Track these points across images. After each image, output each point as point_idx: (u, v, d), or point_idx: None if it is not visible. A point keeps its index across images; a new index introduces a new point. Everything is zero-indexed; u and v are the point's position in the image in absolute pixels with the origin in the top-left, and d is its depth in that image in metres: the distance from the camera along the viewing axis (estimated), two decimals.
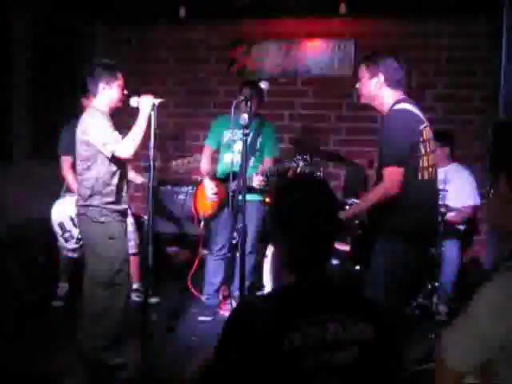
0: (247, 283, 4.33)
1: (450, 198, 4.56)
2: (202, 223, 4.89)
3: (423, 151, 3.14)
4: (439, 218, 4.27)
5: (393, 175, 3.05)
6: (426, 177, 3.17)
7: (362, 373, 1.59)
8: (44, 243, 5.26)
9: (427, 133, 3.21)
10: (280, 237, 1.70)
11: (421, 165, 3.14)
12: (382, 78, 3.24)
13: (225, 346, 1.59)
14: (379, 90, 3.27)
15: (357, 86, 3.35)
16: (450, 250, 4.68)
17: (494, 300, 1.77)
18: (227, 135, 4.74)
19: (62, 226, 4.72)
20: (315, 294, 1.62)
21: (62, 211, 4.70)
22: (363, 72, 3.30)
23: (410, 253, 3.10)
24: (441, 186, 4.33)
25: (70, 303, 4.92)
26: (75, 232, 4.51)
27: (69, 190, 4.84)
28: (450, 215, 4.57)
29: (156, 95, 3.67)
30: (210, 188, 4.71)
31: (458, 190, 4.75)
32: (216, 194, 4.69)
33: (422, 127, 3.16)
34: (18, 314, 4.67)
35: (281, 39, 5.95)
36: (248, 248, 4.38)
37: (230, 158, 4.51)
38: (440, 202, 4.30)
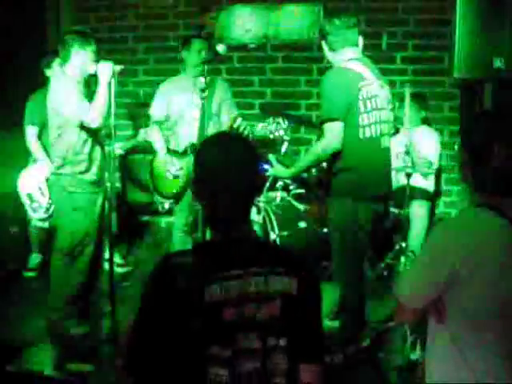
0: None
1: (415, 160, 4.56)
2: (167, 204, 4.70)
3: (362, 109, 3.16)
4: (405, 179, 4.29)
5: (331, 129, 3.10)
6: (367, 134, 3.19)
7: (284, 326, 1.60)
8: (17, 216, 5.24)
9: (370, 90, 3.20)
10: (199, 194, 1.70)
11: (360, 123, 3.16)
12: (326, 41, 3.27)
13: (146, 302, 1.61)
14: (330, 54, 3.29)
15: None
16: (417, 210, 4.71)
17: (440, 237, 1.84)
18: (178, 102, 4.38)
19: (30, 196, 4.69)
20: (235, 249, 1.63)
21: (30, 181, 4.66)
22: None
23: (358, 210, 3.14)
24: (405, 148, 4.36)
25: (43, 274, 4.92)
26: (43, 201, 4.48)
27: (36, 161, 4.80)
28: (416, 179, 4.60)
29: (125, 63, 3.65)
30: (171, 164, 4.39)
31: (424, 153, 4.75)
32: (181, 169, 4.37)
33: (361, 85, 3.16)
34: None
35: (250, 4, 5.87)
36: None
37: (187, 129, 4.32)
38: (403, 164, 4.35)
